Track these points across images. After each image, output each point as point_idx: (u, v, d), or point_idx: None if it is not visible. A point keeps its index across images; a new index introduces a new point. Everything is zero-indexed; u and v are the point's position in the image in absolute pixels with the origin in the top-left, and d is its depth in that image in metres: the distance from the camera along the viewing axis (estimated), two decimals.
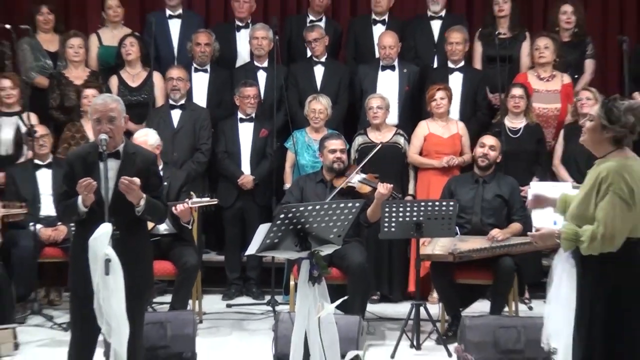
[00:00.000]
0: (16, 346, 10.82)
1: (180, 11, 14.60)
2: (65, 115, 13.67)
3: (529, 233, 8.62)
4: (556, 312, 8.55)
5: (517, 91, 12.91)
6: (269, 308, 12.58)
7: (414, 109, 14.06)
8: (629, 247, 7.34)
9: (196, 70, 14.07)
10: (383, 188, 11.33)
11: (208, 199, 12.06)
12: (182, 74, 13.50)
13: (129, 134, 11.15)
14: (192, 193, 11.98)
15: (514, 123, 12.98)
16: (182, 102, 13.50)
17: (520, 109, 12.84)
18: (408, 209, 11.31)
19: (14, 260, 12.01)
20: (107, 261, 7.69)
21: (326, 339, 8.30)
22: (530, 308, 12.35)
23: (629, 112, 7.55)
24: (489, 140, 11.87)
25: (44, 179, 12.58)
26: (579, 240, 7.34)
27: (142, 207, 8.11)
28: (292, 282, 11.22)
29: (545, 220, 9.27)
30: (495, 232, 11.26)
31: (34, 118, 13.07)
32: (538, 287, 12.08)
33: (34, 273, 12.22)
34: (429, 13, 14.75)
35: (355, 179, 11.92)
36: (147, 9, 15.80)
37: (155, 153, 10.29)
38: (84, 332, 8.25)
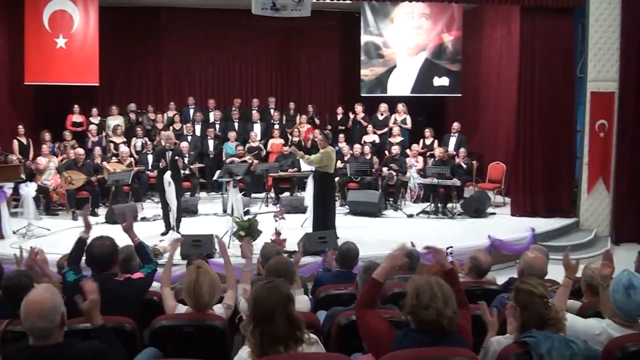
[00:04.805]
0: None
1: None
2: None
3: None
4: (308, 193, 9.52)
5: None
6: (219, 194, 11.81)
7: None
8: (323, 174, 8.41)
9: None
10: None
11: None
12: None
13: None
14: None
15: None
16: None
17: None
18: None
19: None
20: (169, 183, 8.63)
21: (238, 204, 8.82)
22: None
23: (324, 136, 8.51)
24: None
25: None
26: (308, 159, 8.50)
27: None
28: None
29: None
30: None
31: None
32: (303, 188, 10.88)
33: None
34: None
35: None
36: None
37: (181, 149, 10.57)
38: (164, 205, 8.85)
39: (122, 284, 4.11)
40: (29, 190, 9.98)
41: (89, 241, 4.29)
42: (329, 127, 13.53)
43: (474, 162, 12.29)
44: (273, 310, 2.77)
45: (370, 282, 3.31)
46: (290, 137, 13.20)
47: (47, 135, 11.74)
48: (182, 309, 4.05)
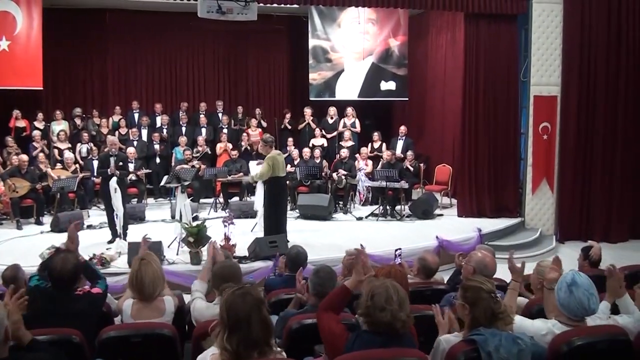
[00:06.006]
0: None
1: None
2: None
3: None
4: (258, 198, 9.48)
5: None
6: (167, 200, 11.44)
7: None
8: (274, 178, 8.31)
9: None
10: None
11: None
12: None
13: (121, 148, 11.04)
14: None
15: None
16: None
17: None
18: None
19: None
20: (115, 189, 8.45)
21: (186, 210, 8.67)
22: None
23: (264, 142, 8.50)
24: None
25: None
26: (258, 176, 8.47)
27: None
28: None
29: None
30: None
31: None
32: (253, 192, 10.82)
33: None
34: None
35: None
36: None
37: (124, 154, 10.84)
38: (110, 212, 8.70)
39: (82, 297, 3.93)
40: None
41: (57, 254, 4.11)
42: (288, 127, 13.77)
43: (421, 164, 12.48)
44: (249, 316, 2.72)
45: (342, 289, 3.33)
46: (240, 142, 13.05)
47: None
48: (129, 302, 4.03)
